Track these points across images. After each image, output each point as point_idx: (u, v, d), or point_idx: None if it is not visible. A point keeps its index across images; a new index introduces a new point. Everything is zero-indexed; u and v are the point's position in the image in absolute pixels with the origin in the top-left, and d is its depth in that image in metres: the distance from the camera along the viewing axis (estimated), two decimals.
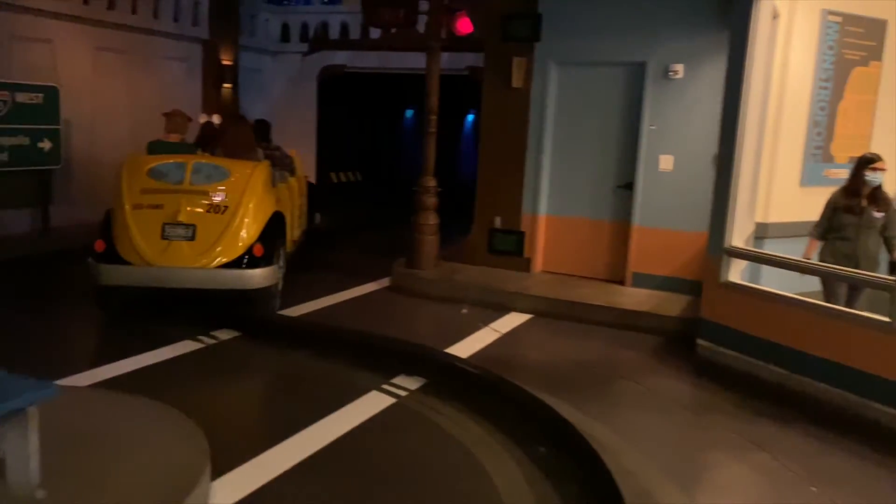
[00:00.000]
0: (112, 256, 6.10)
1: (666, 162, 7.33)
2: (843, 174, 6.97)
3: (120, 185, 6.41)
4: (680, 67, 7.13)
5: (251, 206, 6.38)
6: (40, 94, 9.21)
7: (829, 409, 4.81)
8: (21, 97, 8.98)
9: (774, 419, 4.73)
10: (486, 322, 6.68)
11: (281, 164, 7.87)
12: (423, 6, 8.09)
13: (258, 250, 6.20)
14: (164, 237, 6.11)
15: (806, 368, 5.05)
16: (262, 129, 8.45)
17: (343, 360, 5.64)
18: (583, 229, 7.83)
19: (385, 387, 5.13)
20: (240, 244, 6.20)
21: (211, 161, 6.76)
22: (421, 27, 10.55)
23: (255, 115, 10.67)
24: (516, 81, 7.81)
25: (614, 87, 7.56)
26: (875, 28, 6.82)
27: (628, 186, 7.53)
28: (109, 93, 10.81)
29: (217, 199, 6.31)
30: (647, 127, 7.32)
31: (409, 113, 18.53)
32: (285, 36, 14.56)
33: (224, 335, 6.16)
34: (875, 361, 4.66)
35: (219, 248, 6.14)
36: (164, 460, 3.51)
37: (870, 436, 4.49)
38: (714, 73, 6.96)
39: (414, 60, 12.20)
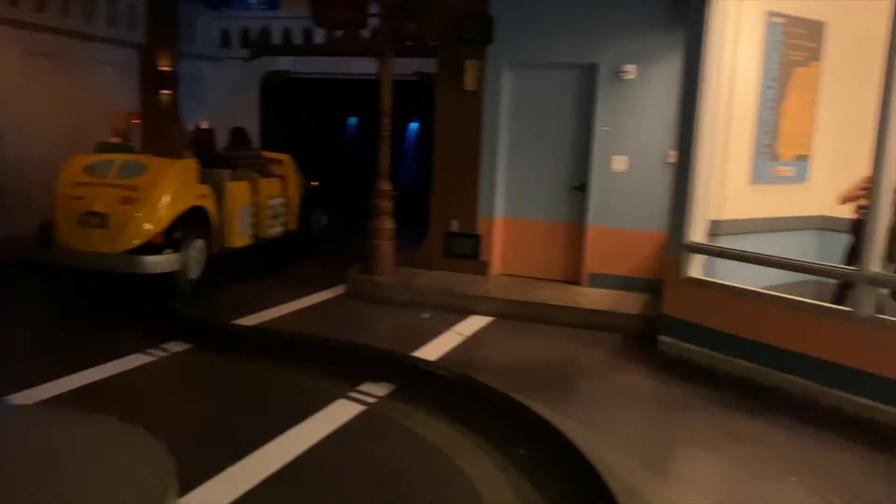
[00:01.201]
0: (45, 239, 7.06)
1: (619, 162, 7.35)
2: (789, 171, 7.16)
3: (59, 180, 7.24)
4: (632, 68, 7.18)
5: (160, 199, 7.01)
6: None
7: (796, 400, 4.87)
8: None
9: (744, 411, 4.73)
10: (448, 326, 6.53)
11: (253, 166, 8.78)
12: (374, 8, 7.94)
13: (158, 239, 6.87)
14: (82, 224, 6.91)
15: (771, 360, 5.09)
16: (237, 136, 9.41)
17: (304, 369, 5.41)
18: (539, 231, 7.78)
19: (352, 394, 4.93)
20: (144, 232, 6.87)
21: (136, 158, 7.50)
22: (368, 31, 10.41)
23: (197, 119, 10.36)
24: (469, 84, 7.73)
25: (567, 88, 7.55)
26: (815, 29, 6.99)
27: (582, 188, 7.52)
28: (41, 99, 10.22)
29: (130, 191, 6.97)
30: (600, 128, 7.33)
31: (352, 120, 18.27)
32: (226, 41, 14.15)
33: (175, 347, 5.84)
34: (838, 350, 4.73)
35: (125, 236, 6.86)
36: (127, 479, 3.21)
37: (836, 423, 4.55)
38: (666, 73, 7.04)
39: (360, 66, 12.04)
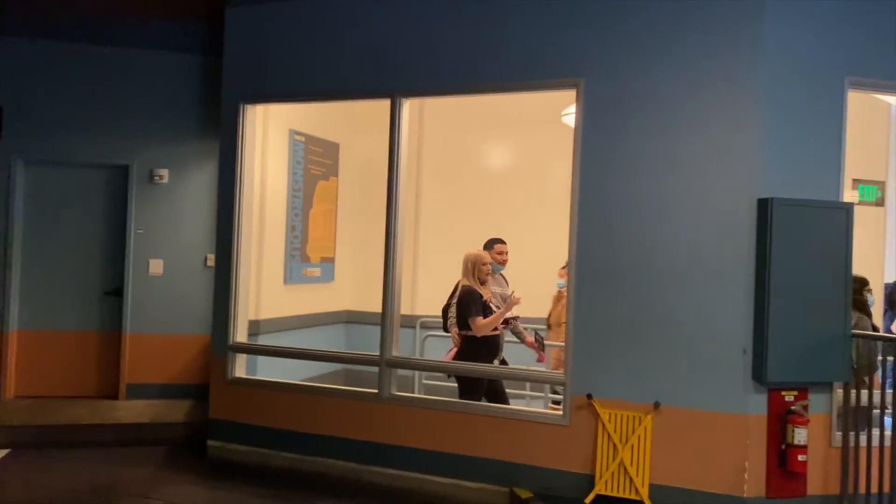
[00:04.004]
0: None
1: (156, 266, 7.17)
2: (317, 272, 7.93)
3: None
4: (165, 172, 7.16)
5: None
6: None
7: (341, 482, 5.28)
8: None
9: (293, 502, 4.93)
10: None
11: None
12: None
13: None
14: None
15: (315, 449, 5.44)
16: None
17: None
18: (66, 343, 7.00)
19: None
20: None
21: None
22: None
23: None
24: None
25: (97, 189, 7.13)
26: (331, 149, 8.06)
27: (117, 292, 7.08)
28: None
29: None
30: (135, 231, 7.07)
31: None
32: None
33: None
34: (369, 430, 5.32)
35: None
36: None
37: (374, 497, 5.07)
38: (200, 179, 7.21)
39: None
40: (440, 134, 8.13)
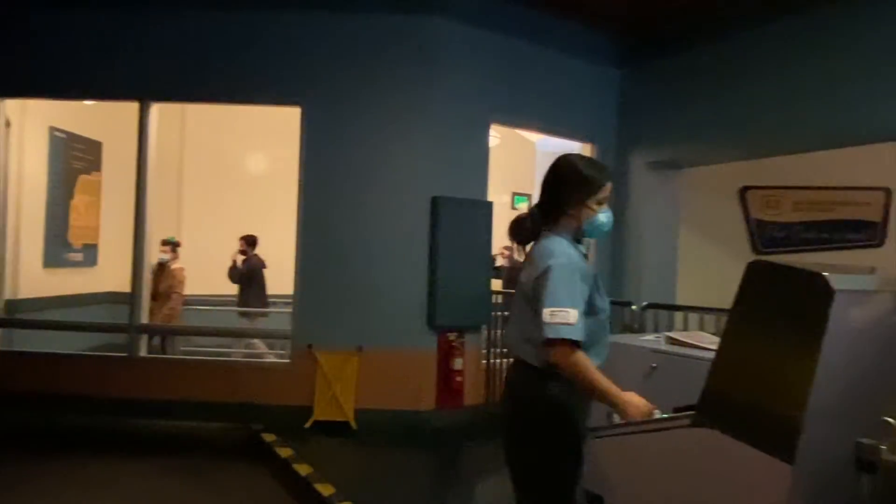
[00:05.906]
0: None
1: None
2: (80, 257, 7.65)
3: None
4: None
5: None
6: None
7: (98, 435, 5.28)
8: None
9: (51, 457, 4.87)
10: None
11: None
12: None
13: None
14: None
15: (67, 408, 5.38)
16: None
17: None
18: None
19: None
20: None
21: None
22: None
23: None
24: None
25: None
26: (93, 147, 7.80)
27: None
28: None
29: None
30: None
31: None
32: None
33: None
34: (119, 388, 5.40)
35: None
36: None
37: (131, 444, 5.16)
38: None
39: None
40: (202, 137, 8.24)
